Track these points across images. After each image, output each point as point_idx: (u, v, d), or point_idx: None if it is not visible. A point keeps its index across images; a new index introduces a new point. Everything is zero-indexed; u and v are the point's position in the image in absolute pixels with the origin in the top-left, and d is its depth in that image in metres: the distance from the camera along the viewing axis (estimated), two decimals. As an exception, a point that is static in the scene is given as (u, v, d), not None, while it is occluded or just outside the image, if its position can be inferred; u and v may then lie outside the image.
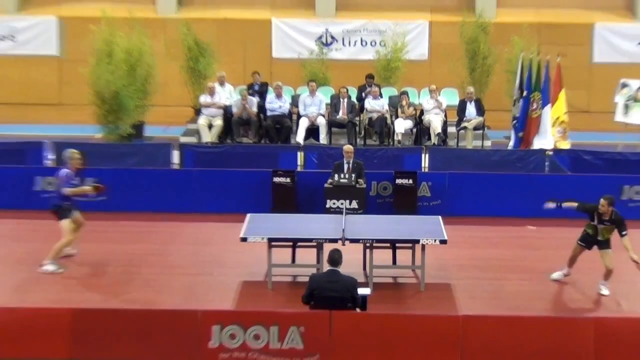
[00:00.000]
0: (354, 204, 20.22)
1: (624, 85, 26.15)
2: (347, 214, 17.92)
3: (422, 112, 26.08)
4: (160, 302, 15.71)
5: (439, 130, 25.37)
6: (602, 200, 16.41)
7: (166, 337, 13.45)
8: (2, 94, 31.39)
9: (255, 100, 26.02)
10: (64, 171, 17.49)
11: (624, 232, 16.31)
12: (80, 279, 17.03)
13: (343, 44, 31.58)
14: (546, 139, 24.25)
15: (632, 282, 17.02)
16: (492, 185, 21.13)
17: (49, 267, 17.29)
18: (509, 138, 25.44)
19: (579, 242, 16.83)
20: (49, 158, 23.01)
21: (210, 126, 25.65)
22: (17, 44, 31.80)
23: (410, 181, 20.81)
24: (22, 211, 20.63)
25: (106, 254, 18.36)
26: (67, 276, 17.09)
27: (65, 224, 17.41)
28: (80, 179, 17.82)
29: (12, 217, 20.46)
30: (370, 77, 27.33)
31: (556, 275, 17.18)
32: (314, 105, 25.91)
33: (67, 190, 17.33)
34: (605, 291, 16.54)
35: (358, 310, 13.81)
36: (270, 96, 26.23)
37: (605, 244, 16.60)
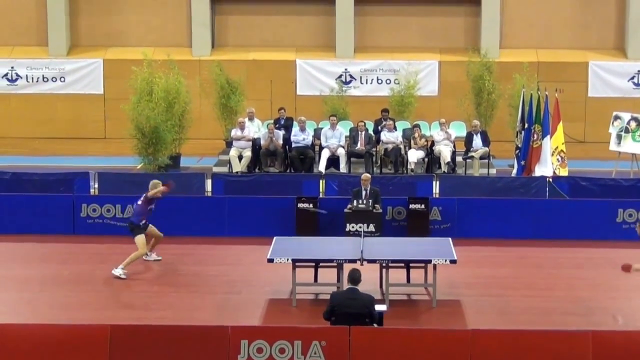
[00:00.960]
0: (372, 227, 20.02)
1: (617, 118, 25.97)
2: (365, 236, 17.84)
3: (433, 143, 26.02)
4: (194, 318, 15.49)
5: (449, 159, 25.31)
6: None
7: (199, 351, 13.17)
8: (53, 129, 31.60)
9: (281, 133, 25.94)
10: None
11: None
12: (121, 298, 16.87)
13: (361, 82, 31.64)
14: (546, 167, 24.12)
15: (627, 297, 16.78)
16: (497, 210, 20.89)
17: (119, 271, 17.56)
18: (512, 166, 25.42)
19: None
20: (93, 187, 22.89)
21: (240, 157, 25.52)
22: (66, 84, 31.96)
23: (423, 206, 20.60)
24: (69, 236, 20.60)
25: (144, 275, 18.19)
26: (108, 295, 16.94)
27: (140, 239, 17.93)
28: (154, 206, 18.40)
29: (59, 242, 20.31)
30: (385, 111, 27.25)
31: None
32: (335, 138, 25.83)
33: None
34: None
35: (375, 325, 13.57)
36: (295, 129, 26.18)
37: None
